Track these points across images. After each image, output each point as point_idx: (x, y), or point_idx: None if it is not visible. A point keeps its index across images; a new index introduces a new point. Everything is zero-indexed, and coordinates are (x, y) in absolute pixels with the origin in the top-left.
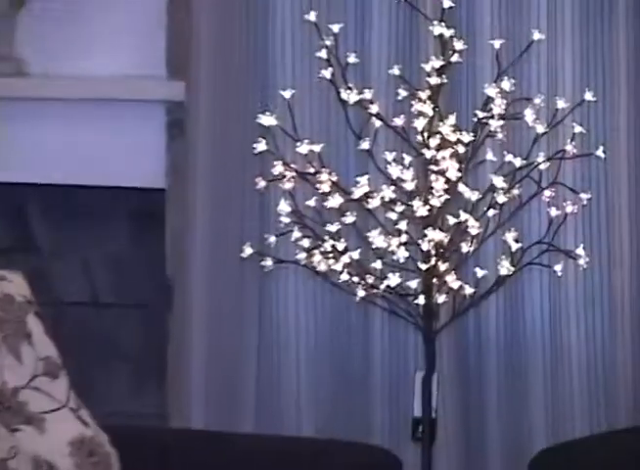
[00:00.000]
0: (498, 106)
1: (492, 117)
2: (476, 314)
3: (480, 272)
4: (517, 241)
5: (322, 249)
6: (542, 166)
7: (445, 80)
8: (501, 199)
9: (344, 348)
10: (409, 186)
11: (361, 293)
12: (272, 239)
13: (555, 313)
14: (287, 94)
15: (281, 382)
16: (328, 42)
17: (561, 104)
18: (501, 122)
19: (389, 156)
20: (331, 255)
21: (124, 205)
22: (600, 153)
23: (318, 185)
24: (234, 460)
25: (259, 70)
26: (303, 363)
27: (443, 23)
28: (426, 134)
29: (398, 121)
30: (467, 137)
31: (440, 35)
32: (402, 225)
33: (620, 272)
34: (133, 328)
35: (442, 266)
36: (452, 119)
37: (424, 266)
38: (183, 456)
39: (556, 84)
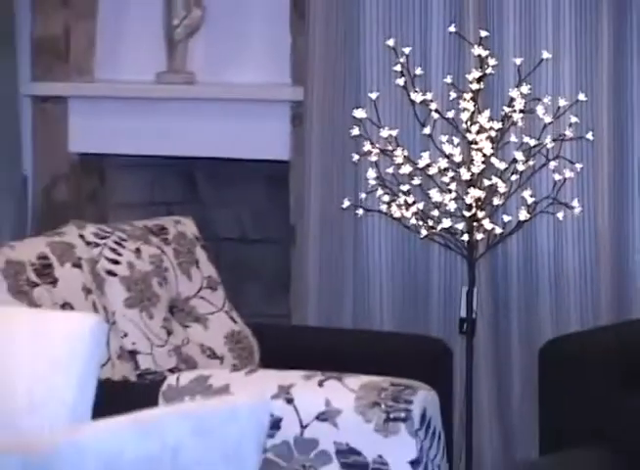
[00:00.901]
0: (519, 103)
1: (515, 111)
2: (503, 247)
3: (506, 218)
4: (531, 196)
5: (397, 202)
6: (549, 146)
7: (482, 86)
8: (520, 168)
9: (413, 270)
10: (457, 159)
11: (424, 232)
12: (363, 195)
13: (557, 246)
14: (373, 95)
15: (370, 292)
16: (402, 59)
17: (562, 102)
18: (521, 115)
19: (444, 138)
20: (403, 206)
21: (262, 172)
22: (589, 136)
23: (394, 158)
24: (337, 344)
25: (354, 78)
26: (385, 280)
27: (481, 47)
28: (469, 123)
29: (450, 114)
30: (497, 125)
31: (479, 55)
32: (452, 186)
33: (602, 218)
34: (268, 257)
35: (480, 214)
36: (487, 113)
37: (467, 214)
38: (304, 342)
39: (558, 88)
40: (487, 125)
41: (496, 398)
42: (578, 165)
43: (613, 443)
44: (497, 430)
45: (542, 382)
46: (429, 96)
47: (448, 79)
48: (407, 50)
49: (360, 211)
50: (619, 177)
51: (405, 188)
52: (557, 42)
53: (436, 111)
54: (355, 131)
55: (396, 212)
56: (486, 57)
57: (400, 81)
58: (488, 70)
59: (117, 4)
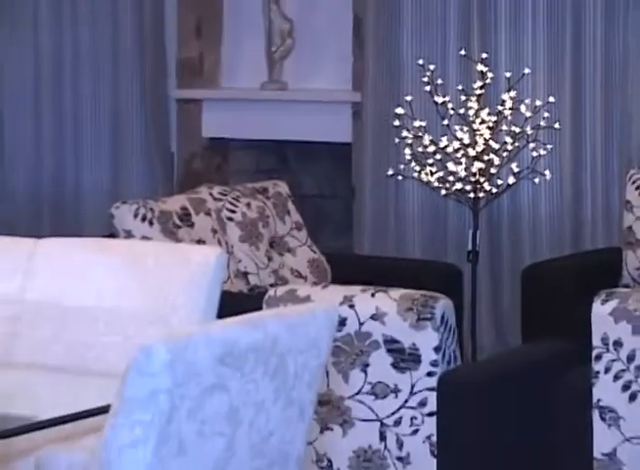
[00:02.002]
0: (508, 103)
1: (505, 109)
2: (497, 202)
3: (499, 182)
4: (517, 167)
5: (425, 171)
6: (529, 132)
7: (483, 91)
8: (509, 147)
9: (435, 217)
10: (466, 141)
11: (443, 192)
12: (401, 166)
13: (534, 201)
14: (408, 98)
15: (406, 232)
16: (428, 73)
17: (538, 102)
18: (509, 112)
19: (457, 127)
20: (429, 174)
21: (332, 150)
22: (556, 126)
23: (423, 141)
24: (383, 266)
25: (395, 86)
26: (416, 224)
27: (482, 64)
28: (474, 117)
29: (461, 111)
30: (493, 118)
31: (481, 70)
32: (462, 160)
33: (564, 182)
34: (337, 208)
35: (482, 179)
36: (486, 110)
37: (473, 179)
38: (361, 265)
39: (535, 93)
40: (487, 118)
41: (492, 305)
42: (549, 146)
43: (569, 336)
44: (492, 326)
45: (523, 293)
46: (446, 98)
47: (460, 87)
48: (432, 67)
49: (400, 177)
50: (577, 154)
51: (430, 161)
52: (534, 61)
53: (452, 109)
54: (396, 122)
55: (424, 178)
56: (486, 72)
57: (427, 88)
58: (487, 81)
59: (235, 36)
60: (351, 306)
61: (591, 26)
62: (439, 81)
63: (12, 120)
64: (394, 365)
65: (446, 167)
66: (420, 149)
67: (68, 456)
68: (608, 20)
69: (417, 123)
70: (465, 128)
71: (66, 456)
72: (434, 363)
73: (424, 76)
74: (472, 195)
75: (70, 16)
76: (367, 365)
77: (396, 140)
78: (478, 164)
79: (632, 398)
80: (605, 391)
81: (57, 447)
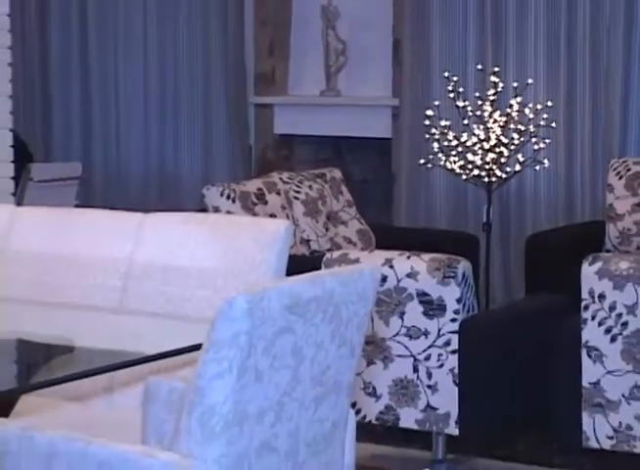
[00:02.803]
0: (515, 107)
1: (513, 111)
2: (506, 185)
3: (508, 169)
4: (522, 157)
5: (449, 160)
6: (531, 129)
7: (495, 97)
8: (516, 142)
9: (457, 197)
10: (482, 137)
11: (463, 177)
12: (430, 157)
13: (536, 185)
14: (436, 103)
15: (435, 209)
16: (452, 83)
17: (538, 106)
18: (516, 113)
19: (475, 125)
20: (452, 162)
21: (376, 144)
22: (553, 125)
23: (448, 136)
24: (417, 235)
25: (426, 93)
26: (442, 203)
27: (494, 76)
28: (488, 117)
29: (478, 113)
30: (503, 119)
31: (493, 81)
32: (479, 152)
33: (560, 170)
34: (380, 191)
35: (494, 167)
36: (498, 112)
37: (487, 167)
38: (399, 235)
39: (537, 98)
40: (498, 119)
41: (501, 266)
42: (547, 140)
43: (566, 290)
44: (502, 283)
45: (527, 257)
46: (466, 103)
47: (477, 94)
48: (455, 78)
49: (429, 166)
50: (569, 147)
51: (453, 153)
52: (535, 73)
53: (470, 111)
54: (427, 122)
55: (449, 166)
56: (497, 82)
57: (451, 95)
58: (498, 89)
59: (300, 54)
60: (391, 267)
61: (581, 45)
62: (461, 89)
63: (126, 119)
64: (425, 313)
65: (466, 158)
66: (445, 143)
67: (169, 384)
68: (594, 39)
69: (443, 123)
70: (481, 127)
71: (167, 384)
72: (456, 312)
73: (448, 86)
74: (486, 179)
75: (172, 37)
76: (403, 313)
77: (426, 136)
78: (491, 155)
79: (613, 339)
80: (591, 334)
81: (160, 377)
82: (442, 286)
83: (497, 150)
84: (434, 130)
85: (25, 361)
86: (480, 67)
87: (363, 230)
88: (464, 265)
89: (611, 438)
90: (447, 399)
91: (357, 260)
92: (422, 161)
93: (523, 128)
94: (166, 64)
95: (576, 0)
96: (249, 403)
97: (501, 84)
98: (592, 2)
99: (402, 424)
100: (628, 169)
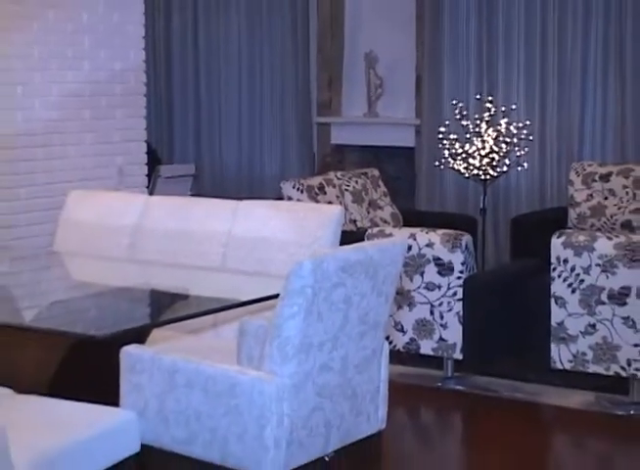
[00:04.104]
0: (504, 126)
1: (502, 128)
2: (496, 182)
3: (498, 169)
4: (509, 161)
5: (456, 163)
6: (515, 141)
7: (489, 118)
8: (504, 150)
9: (460, 190)
10: (479, 146)
11: (466, 175)
12: (442, 160)
13: (518, 181)
14: (447, 122)
15: (446, 199)
16: (457, 109)
17: (520, 124)
18: (504, 129)
19: (474, 139)
20: (459, 165)
21: (404, 151)
22: (531, 138)
23: (455, 146)
24: (433, 217)
25: (438, 115)
26: (451, 194)
27: (488, 103)
28: (484, 132)
29: (477, 129)
30: (495, 134)
31: (488, 107)
32: (477, 157)
33: (533, 172)
34: (406, 185)
35: (488, 168)
36: (491, 129)
37: (483, 168)
38: (420, 217)
39: (519, 118)
40: (491, 134)
41: (493, 239)
42: (526, 149)
43: (540, 256)
44: (493, 251)
45: (512, 232)
46: (468, 122)
47: (476, 116)
48: (460, 104)
49: (442, 167)
50: (542, 154)
51: (459, 158)
52: (518, 100)
53: (471, 128)
54: (440, 136)
55: (456, 167)
56: (490, 107)
57: (457, 116)
58: (491, 112)
59: (350, 87)
60: (414, 239)
61: (550, 79)
62: (464, 113)
63: (226, 133)
64: (438, 272)
65: (468, 161)
66: (453, 151)
67: (257, 323)
68: (560, 74)
69: (452, 136)
70: (478, 139)
71: (255, 322)
72: (461, 271)
73: (455, 110)
74: (482, 177)
75: (260, 75)
76: (423, 272)
77: (439, 146)
78: (486, 160)
79: (573, 291)
80: (557, 287)
81: (250, 317)
82: (451, 253)
83: (490, 156)
84: (445, 142)
85: (155, 305)
86: (478, 96)
87: (394, 213)
88: (467, 238)
89: (570, 361)
90: (454, 334)
91: (390, 234)
92: (436, 163)
93: (509, 140)
94: (255, 93)
95: (547, 48)
96: (312, 337)
97: (493, 109)
98: (560, 48)
99: (422, 351)
100: (584, 170)
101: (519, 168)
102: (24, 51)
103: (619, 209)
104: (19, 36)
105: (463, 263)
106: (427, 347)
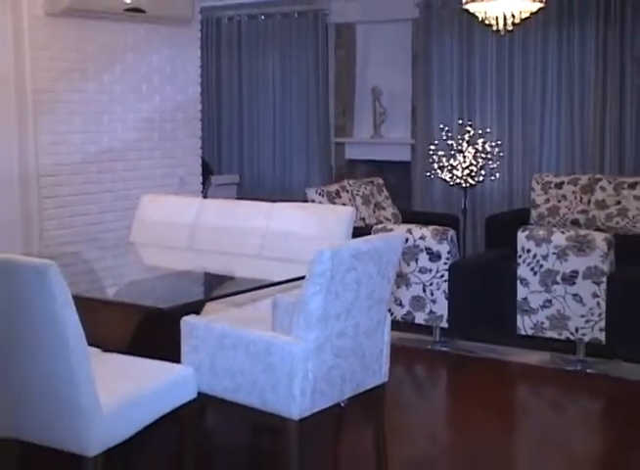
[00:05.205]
0: (481, 144)
1: (479, 146)
2: (475, 189)
3: (476, 179)
4: (484, 172)
5: (443, 174)
6: (489, 157)
7: (469, 139)
8: (480, 163)
9: (447, 194)
10: (461, 161)
11: (451, 183)
12: (432, 171)
13: (492, 189)
14: (436, 142)
15: (433, 201)
16: (444, 131)
17: (493, 143)
18: (480, 148)
19: (458, 154)
20: (445, 173)
21: (402, 165)
22: (502, 154)
23: (443, 161)
24: (425, 215)
25: (429, 136)
26: (439, 196)
27: (469, 127)
28: (465, 149)
29: (460, 148)
30: (473, 151)
31: (468, 129)
32: (460, 169)
33: (504, 181)
34: (405, 191)
35: (468, 178)
36: (470, 147)
37: (464, 178)
38: (415, 216)
39: (492, 138)
40: (471, 151)
41: (472, 234)
42: (498, 163)
43: (509, 247)
44: (472, 243)
45: (486, 228)
46: (452, 142)
47: (459, 136)
48: (446, 128)
49: (432, 176)
50: (510, 167)
51: (445, 170)
52: (491, 124)
53: (455, 146)
54: (430, 152)
55: (443, 177)
56: (471, 130)
57: (444, 137)
58: (471, 134)
59: (360, 115)
60: (410, 233)
61: (516, 108)
62: (449, 134)
63: (262, 150)
64: (429, 259)
65: (452, 172)
66: (440, 164)
67: (286, 299)
68: (524, 104)
69: (439, 153)
70: (461, 155)
71: (285, 299)
72: (447, 259)
73: (442, 132)
74: (463, 185)
75: (289, 106)
76: (417, 259)
77: (430, 160)
78: (466, 171)
79: (534, 274)
80: (522, 271)
81: (281, 294)
82: (439, 244)
83: (470, 168)
84: (434, 157)
85: (208, 284)
86: (460, 121)
87: (395, 213)
88: (451, 233)
89: (532, 328)
90: (441, 307)
91: (391, 230)
92: (427, 174)
93: (484, 156)
94: (286, 119)
95: (513, 86)
96: (331, 309)
97: (472, 131)
98: (524, 86)
99: (416, 321)
100: (542, 179)
101: (492, 178)
102: (110, 87)
103: (570, 209)
104: (106, 76)
105: (449, 252)
106: (420, 317)
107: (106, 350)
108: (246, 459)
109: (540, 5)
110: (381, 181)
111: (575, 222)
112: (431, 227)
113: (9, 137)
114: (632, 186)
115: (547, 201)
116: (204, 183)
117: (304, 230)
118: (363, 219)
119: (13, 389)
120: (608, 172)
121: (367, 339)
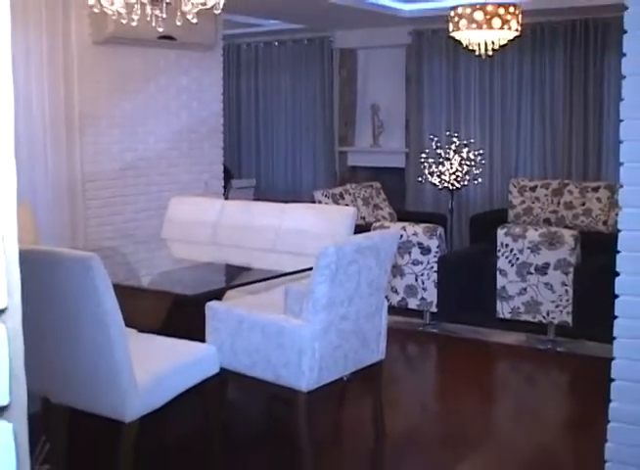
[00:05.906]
0: (466, 153)
1: (464, 154)
2: (461, 192)
3: (462, 183)
4: (469, 177)
5: (433, 179)
6: (473, 164)
7: (455, 148)
8: (465, 169)
9: (436, 197)
10: (449, 167)
11: (440, 186)
12: (424, 176)
13: (475, 192)
14: (426, 151)
15: (425, 202)
16: (434, 141)
17: (477, 152)
18: (465, 156)
19: (445, 162)
20: (435, 177)
21: (397, 171)
22: (484, 162)
23: (433, 169)
24: (417, 215)
25: (420, 145)
26: (429, 199)
27: (455, 137)
28: (452, 157)
29: (448, 156)
30: (459, 158)
31: (454, 140)
32: (447, 174)
33: (486, 185)
34: (400, 194)
35: (455, 182)
36: (456, 155)
37: (451, 182)
38: (409, 215)
39: (476, 147)
40: (457, 158)
41: (458, 231)
42: (480, 169)
43: (489, 242)
44: (458, 239)
45: (470, 226)
46: (441, 151)
47: (447, 146)
48: (436, 138)
49: (423, 181)
50: (491, 172)
51: (435, 175)
52: (475, 135)
53: (443, 154)
54: (422, 160)
55: (433, 181)
56: (457, 140)
57: (434, 146)
58: (457, 143)
59: (361, 127)
60: (404, 230)
61: (496, 121)
62: (438, 144)
63: (276, 157)
64: (421, 253)
65: (441, 177)
66: (430, 170)
67: (297, 287)
68: (503, 116)
69: (430, 160)
70: (448, 162)
71: (295, 287)
72: (436, 252)
73: (432, 142)
74: (450, 188)
75: (299, 117)
76: (410, 253)
77: (421, 167)
78: (453, 176)
79: (511, 265)
80: (501, 263)
81: (292, 283)
82: (430, 239)
83: (456, 174)
84: (425, 164)
85: (229, 274)
86: (447, 133)
87: (391, 212)
88: (440, 230)
89: (510, 313)
90: (431, 295)
91: (388, 227)
92: (419, 178)
93: (469, 163)
94: (296, 130)
95: (494, 102)
96: (335, 297)
97: (458, 141)
98: (502, 103)
99: (409, 306)
100: (519, 183)
101: (475, 182)
102: (144, 104)
103: (542, 210)
104: (141, 95)
105: (438, 247)
106: (413, 303)
107: (141, 330)
108: (262, 426)
109: (516, 33)
110: (379, 185)
111: (547, 221)
112: (422, 225)
113: (59, 149)
114: (595, 190)
115: (523, 202)
116: (225, 186)
117: (313, 227)
118: (363, 218)
119: (63, 365)
120: (574, 178)
121: (367, 322)
